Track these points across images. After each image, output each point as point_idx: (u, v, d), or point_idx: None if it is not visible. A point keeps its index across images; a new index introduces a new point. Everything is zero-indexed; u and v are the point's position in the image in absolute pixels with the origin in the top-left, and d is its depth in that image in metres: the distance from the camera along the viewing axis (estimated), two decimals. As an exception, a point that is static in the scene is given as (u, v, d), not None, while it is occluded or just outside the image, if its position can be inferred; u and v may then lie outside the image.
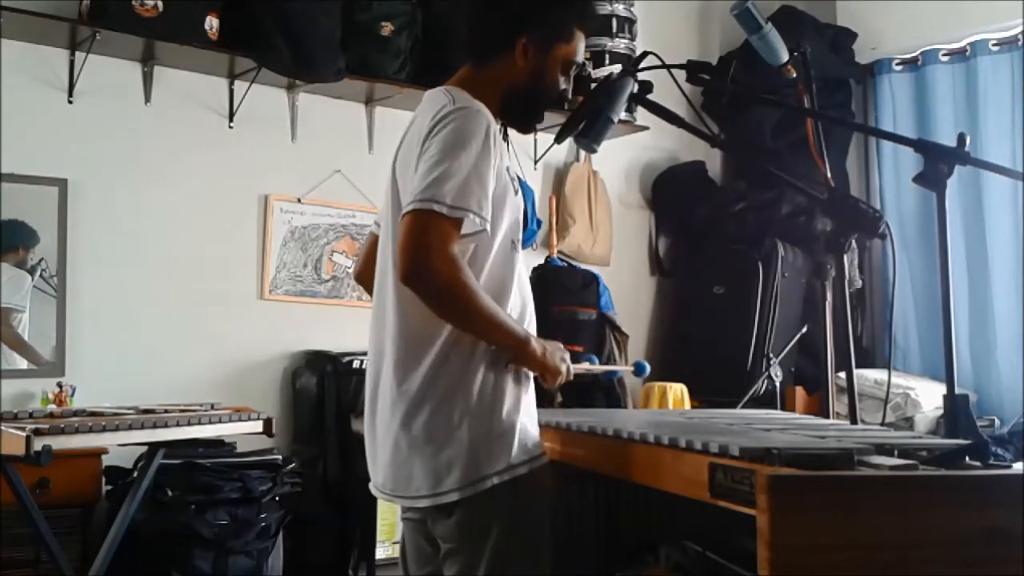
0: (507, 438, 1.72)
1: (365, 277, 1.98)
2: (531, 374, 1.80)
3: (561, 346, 1.85)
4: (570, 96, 1.94)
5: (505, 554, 1.69)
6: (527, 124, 1.97)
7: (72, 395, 3.27)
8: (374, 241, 1.98)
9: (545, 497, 1.77)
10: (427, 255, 1.62)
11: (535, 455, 1.75)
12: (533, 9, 1.86)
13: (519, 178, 4.17)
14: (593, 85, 2.01)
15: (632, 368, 2.20)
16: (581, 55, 1.93)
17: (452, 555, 1.74)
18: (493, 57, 1.87)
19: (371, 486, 1.86)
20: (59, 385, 3.27)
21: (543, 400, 1.89)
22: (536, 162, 4.43)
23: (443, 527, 1.74)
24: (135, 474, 3.00)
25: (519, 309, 1.82)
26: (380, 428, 1.81)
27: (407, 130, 1.87)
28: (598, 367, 2.13)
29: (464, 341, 1.72)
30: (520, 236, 1.86)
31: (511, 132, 1.99)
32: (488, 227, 1.71)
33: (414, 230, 1.63)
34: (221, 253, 3.73)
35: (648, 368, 2.22)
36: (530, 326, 1.86)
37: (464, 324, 1.70)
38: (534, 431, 1.79)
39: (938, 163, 1.72)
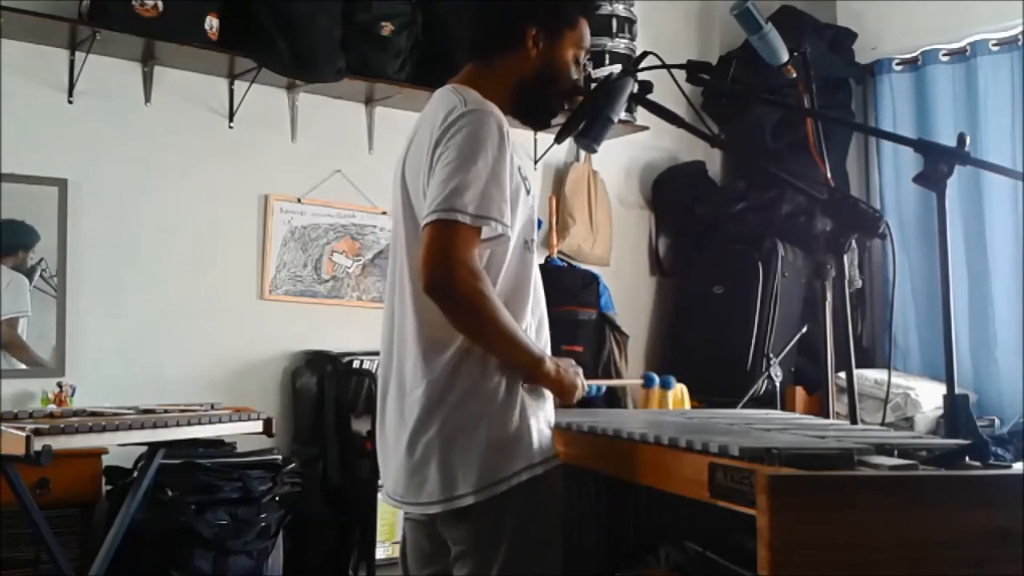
0: (524, 440, 1.71)
1: None
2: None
3: (574, 362, 1.85)
4: (582, 87, 1.94)
5: (518, 555, 1.69)
6: (543, 118, 1.95)
7: (72, 395, 3.27)
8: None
9: (557, 498, 1.77)
10: (451, 267, 1.62)
11: (549, 456, 1.75)
12: None
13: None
14: (593, 85, 1.99)
15: (641, 380, 2.17)
16: (588, 41, 1.93)
17: (464, 557, 1.73)
18: (500, 53, 1.86)
19: (382, 494, 1.86)
20: (59, 385, 3.27)
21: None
22: (536, 162, 4.43)
23: (455, 530, 1.73)
24: (135, 474, 3.00)
25: (534, 310, 1.82)
26: (391, 434, 1.80)
27: (415, 130, 1.85)
28: (610, 383, 2.11)
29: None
30: (534, 236, 1.86)
31: (512, 131, 1.98)
32: (509, 232, 1.72)
33: (437, 241, 1.63)
34: (221, 253, 3.73)
35: (656, 379, 2.19)
36: (542, 327, 1.86)
37: (481, 338, 1.70)
38: (548, 432, 1.78)
39: (938, 163, 1.72)
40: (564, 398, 1.82)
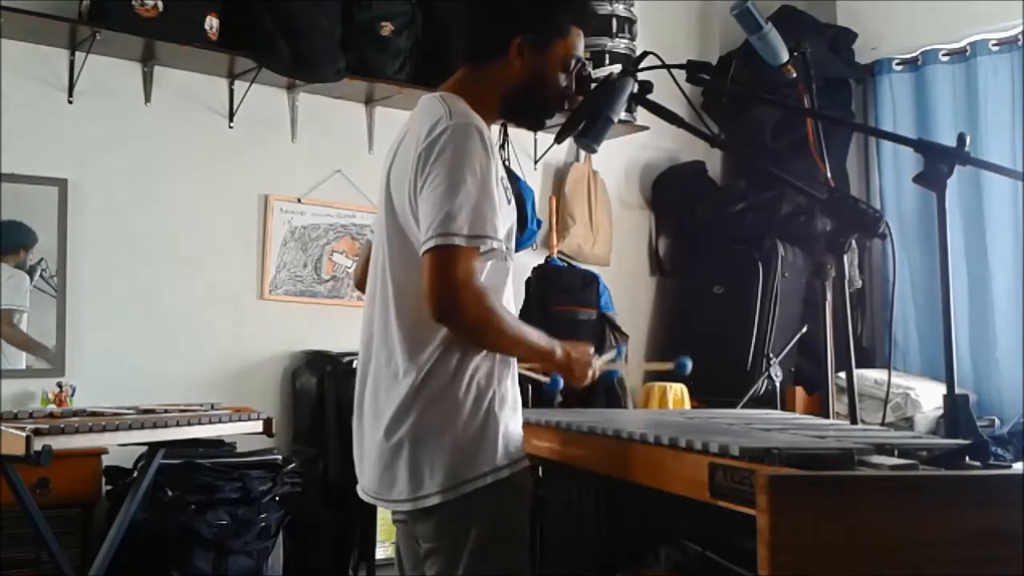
0: (491, 442, 1.73)
1: (365, 284, 1.99)
2: (515, 377, 1.83)
3: (587, 348, 1.92)
4: (573, 94, 1.94)
5: (484, 556, 1.71)
6: (533, 123, 1.99)
7: (72, 395, 3.27)
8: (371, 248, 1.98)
9: (524, 500, 1.79)
10: (454, 294, 1.65)
11: (517, 459, 1.76)
12: (527, 9, 1.85)
13: (519, 179, 4.12)
14: (593, 85, 1.99)
15: (672, 365, 2.22)
16: (580, 51, 1.92)
17: (432, 555, 1.75)
18: (489, 59, 1.85)
19: (358, 489, 1.87)
20: (59, 385, 3.28)
21: (543, 401, 1.90)
22: (536, 162, 4.42)
23: (423, 527, 1.76)
24: (135, 474, 3.01)
25: None
26: (368, 431, 1.82)
27: (401, 136, 1.86)
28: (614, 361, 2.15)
29: (453, 346, 1.72)
30: (512, 245, 1.86)
31: (511, 131, 1.98)
32: (502, 247, 1.74)
33: (438, 268, 1.65)
34: (221, 253, 3.73)
35: (689, 365, 2.24)
36: None
37: (497, 349, 1.76)
38: (518, 435, 1.80)
39: (938, 163, 1.72)
40: (574, 382, 1.89)
